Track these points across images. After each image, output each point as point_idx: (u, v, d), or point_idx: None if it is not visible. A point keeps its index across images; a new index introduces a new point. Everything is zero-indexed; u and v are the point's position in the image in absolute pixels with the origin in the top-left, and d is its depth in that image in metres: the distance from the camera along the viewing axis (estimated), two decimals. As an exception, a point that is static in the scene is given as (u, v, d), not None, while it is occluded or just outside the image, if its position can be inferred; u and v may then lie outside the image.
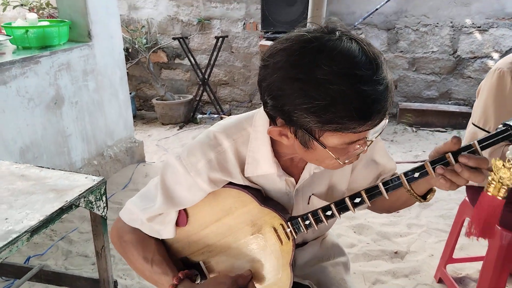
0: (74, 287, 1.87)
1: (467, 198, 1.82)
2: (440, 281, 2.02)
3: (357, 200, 0.85)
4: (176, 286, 0.90)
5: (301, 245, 1.11)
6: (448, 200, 2.72)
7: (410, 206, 2.49)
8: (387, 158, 1.03)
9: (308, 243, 1.12)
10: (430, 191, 0.88)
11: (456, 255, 2.07)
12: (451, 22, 3.87)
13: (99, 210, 1.61)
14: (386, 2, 3.84)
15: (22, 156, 2.37)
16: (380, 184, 0.83)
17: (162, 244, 1.02)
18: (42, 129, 2.49)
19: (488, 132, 1.56)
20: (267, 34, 3.88)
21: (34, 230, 1.32)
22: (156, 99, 4.44)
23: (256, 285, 0.95)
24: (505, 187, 0.77)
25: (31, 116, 2.41)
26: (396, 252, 2.25)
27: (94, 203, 1.57)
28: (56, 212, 1.41)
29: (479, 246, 2.23)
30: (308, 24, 0.80)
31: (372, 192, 0.84)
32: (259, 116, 0.91)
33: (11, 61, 2.27)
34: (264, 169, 0.90)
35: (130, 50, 4.50)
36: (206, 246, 0.99)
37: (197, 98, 4.47)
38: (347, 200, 0.86)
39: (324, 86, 0.69)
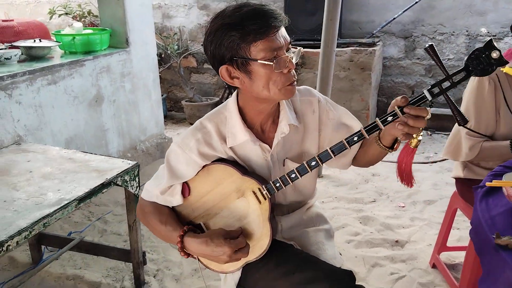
0: (109, 256, 2.18)
1: (456, 190, 2.01)
2: (434, 266, 2.21)
3: (313, 163, 1.11)
4: (183, 236, 1.17)
5: (289, 211, 1.35)
6: (453, 198, 2.89)
7: (415, 202, 2.68)
8: (354, 120, 1.29)
9: (294, 211, 1.36)
10: (396, 141, 1.12)
11: (454, 245, 2.26)
12: (467, 31, 4.02)
13: (132, 189, 1.90)
14: (404, 11, 4.03)
15: (67, 147, 2.71)
16: (328, 148, 1.09)
17: (173, 211, 1.30)
18: (84, 124, 2.84)
19: (469, 129, 1.77)
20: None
21: (81, 199, 1.63)
22: (186, 101, 4.77)
23: (246, 238, 1.19)
24: (417, 139, 1.05)
25: (76, 112, 2.77)
26: (397, 241, 2.45)
27: (128, 182, 1.87)
28: (98, 187, 1.73)
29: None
30: None
31: (323, 153, 1.10)
32: (230, 101, 1.22)
33: (60, 64, 2.64)
34: (240, 138, 1.18)
35: (163, 55, 4.86)
36: (205, 211, 1.26)
37: (223, 100, 4.77)
38: (305, 163, 1.12)
39: (232, 15, 1.06)
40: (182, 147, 1.21)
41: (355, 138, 1.07)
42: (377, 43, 4.03)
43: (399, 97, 1.01)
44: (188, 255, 1.20)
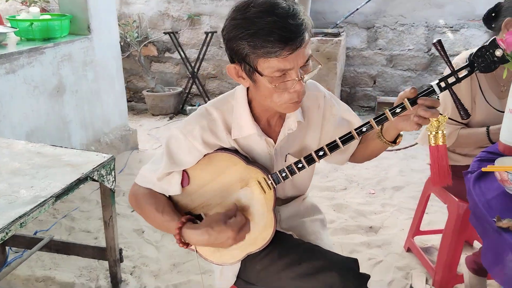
0: (82, 255, 2.07)
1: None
2: (408, 250, 2.28)
3: (321, 153, 1.10)
4: (181, 228, 1.11)
5: (286, 202, 1.34)
6: (419, 184, 3.00)
7: (384, 188, 2.75)
8: (355, 116, 1.29)
9: (291, 201, 1.35)
10: (398, 136, 1.13)
11: (424, 229, 2.35)
12: (426, 22, 4.16)
13: (108, 183, 1.81)
14: (367, 2, 4.10)
15: (28, 140, 2.54)
16: (337, 138, 1.08)
17: (170, 199, 1.23)
18: (45, 115, 2.67)
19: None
20: (255, 30, 4.09)
21: (58, 196, 1.53)
22: (147, 91, 4.62)
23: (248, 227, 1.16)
24: (440, 132, 1.03)
25: (36, 103, 2.59)
26: (370, 227, 2.51)
27: (105, 176, 1.77)
28: (75, 182, 1.62)
29: (444, 222, 2.50)
30: None
31: (331, 145, 1.09)
32: (239, 90, 1.17)
33: (19, 52, 2.45)
34: (246, 131, 1.15)
35: (121, 43, 4.66)
36: (205, 201, 1.20)
37: (187, 91, 4.66)
38: (313, 153, 1.10)
39: (251, 20, 0.96)
40: (184, 134, 1.15)
41: (364, 129, 1.06)
42: (342, 33, 4.08)
43: (407, 89, 1.01)
44: (187, 245, 1.13)
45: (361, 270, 1.18)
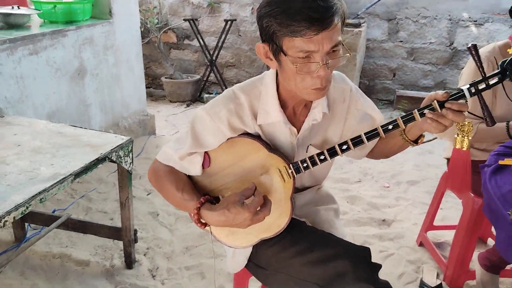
0: (98, 234, 2.12)
1: (447, 170, 2.06)
2: (421, 244, 2.27)
3: (344, 146, 1.09)
4: (199, 208, 1.12)
5: (301, 190, 1.35)
6: (435, 179, 2.97)
7: (399, 182, 2.72)
8: (378, 112, 1.28)
9: (307, 189, 1.36)
10: (421, 136, 1.12)
11: (438, 224, 2.33)
12: (449, 15, 4.08)
13: (126, 165, 1.85)
14: (389, -7, 4.04)
15: (49, 121, 2.59)
16: (362, 134, 1.07)
17: (190, 179, 1.25)
18: (67, 97, 2.72)
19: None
20: (274, 19, 4.08)
21: (77, 174, 1.57)
22: (165, 78, 4.66)
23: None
24: (467, 137, 1.04)
25: (58, 85, 2.64)
26: (383, 220, 2.51)
27: (122, 158, 1.81)
28: (93, 161, 1.66)
29: (458, 218, 2.48)
30: None
31: (355, 140, 1.08)
32: (267, 75, 1.16)
33: (42, 33, 2.49)
34: (272, 117, 1.15)
35: (141, 29, 4.70)
36: (225, 184, 1.22)
37: (204, 79, 4.68)
38: (336, 147, 1.10)
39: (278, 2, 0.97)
40: (211, 115, 1.15)
41: (390, 127, 1.05)
42: (362, 24, 4.03)
43: (439, 91, 1.00)
44: (205, 225, 1.15)
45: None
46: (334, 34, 0.98)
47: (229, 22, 4.41)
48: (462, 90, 1.00)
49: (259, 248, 1.25)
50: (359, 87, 4.46)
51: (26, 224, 2.26)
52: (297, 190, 1.33)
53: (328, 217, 1.36)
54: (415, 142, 1.13)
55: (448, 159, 2.02)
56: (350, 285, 1.09)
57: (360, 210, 2.62)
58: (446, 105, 0.99)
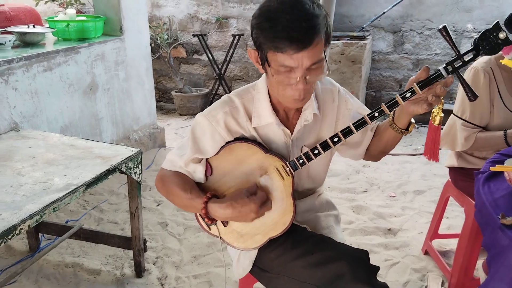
0: (109, 244, 2.19)
1: (450, 180, 2.09)
2: (426, 253, 2.29)
3: (336, 139, 1.15)
4: (207, 202, 1.19)
5: (302, 196, 1.40)
6: (441, 188, 2.98)
7: (405, 192, 2.74)
8: (368, 110, 1.31)
9: (307, 197, 1.41)
10: (411, 123, 1.17)
11: (443, 233, 2.35)
12: (454, 27, 4.13)
13: (135, 176, 1.92)
14: (393, 6, 4.11)
15: (62, 134, 2.69)
16: (351, 124, 1.13)
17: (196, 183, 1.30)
18: (79, 112, 2.82)
19: (464, 120, 1.84)
20: (281, 33, 4.17)
21: (88, 185, 1.64)
22: (175, 91, 4.76)
23: (268, 213, 1.23)
24: (440, 116, 1.13)
25: (71, 100, 2.74)
26: (389, 229, 2.53)
27: (132, 169, 1.88)
28: (104, 172, 1.73)
29: (464, 226, 2.49)
30: None
31: (345, 130, 1.15)
32: (260, 81, 1.25)
33: (56, 51, 2.60)
34: (265, 119, 1.22)
35: (152, 45, 4.82)
36: (228, 189, 1.28)
37: (213, 92, 4.78)
38: (328, 139, 1.16)
39: (271, 12, 1.04)
40: (208, 119, 1.23)
41: (376, 114, 1.11)
42: (367, 37, 4.10)
43: (418, 73, 1.06)
44: (212, 221, 1.21)
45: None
46: (315, 52, 1.05)
47: (236, 37, 4.51)
48: (439, 70, 1.05)
49: (262, 251, 1.30)
50: (366, 98, 4.52)
51: (40, 234, 2.34)
52: (298, 195, 1.38)
53: (328, 223, 1.40)
54: (406, 129, 1.18)
55: (450, 168, 2.05)
56: (348, 286, 1.13)
57: (366, 219, 2.65)
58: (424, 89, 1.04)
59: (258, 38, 1.07)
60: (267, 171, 1.23)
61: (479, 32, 4.01)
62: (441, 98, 1.06)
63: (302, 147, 1.29)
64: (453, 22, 4.12)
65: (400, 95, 1.07)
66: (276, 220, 1.23)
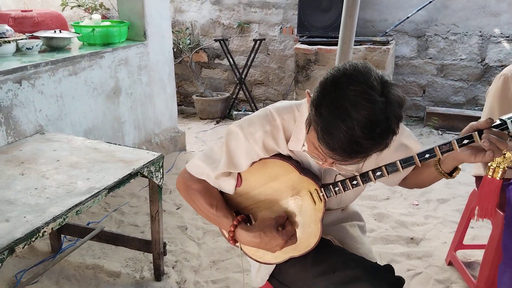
0: (129, 247, 2.20)
1: (476, 189, 2.03)
2: (450, 264, 2.23)
3: (378, 173, 1.08)
4: (236, 226, 1.17)
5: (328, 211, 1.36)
6: (466, 197, 2.90)
7: (428, 200, 2.66)
8: (415, 141, 1.23)
9: (334, 209, 1.36)
10: (456, 169, 1.09)
11: (468, 243, 2.28)
12: (480, 32, 4.03)
13: (157, 180, 1.92)
14: (418, 11, 4.04)
15: (85, 137, 2.73)
16: (398, 161, 1.05)
17: (222, 195, 1.28)
18: (102, 115, 2.86)
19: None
20: (302, 38, 4.16)
21: (110, 188, 1.65)
22: (196, 96, 4.79)
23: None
24: (502, 169, 1.01)
25: (95, 103, 2.79)
26: (412, 238, 2.48)
27: (153, 173, 1.89)
28: (126, 176, 1.75)
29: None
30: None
31: (390, 165, 1.06)
32: (305, 105, 1.16)
33: (81, 55, 2.65)
34: (303, 147, 1.13)
35: (174, 49, 4.87)
36: (255, 203, 1.25)
37: (234, 96, 4.79)
38: (370, 172, 1.09)
39: (331, 115, 0.90)
40: (246, 135, 1.16)
41: (427, 156, 1.03)
42: (391, 42, 4.04)
43: (481, 120, 0.98)
44: (235, 241, 1.20)
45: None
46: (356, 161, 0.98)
47: (258, 42, 4.51)
48: (505, 122, 0.96)
49: (282, 266, 1.28)
50: (388, 104, 4.44)
51: (62, 235, 2.37)
52: None
53: (354, 233, 1.36)
54: (450, 174, 1.10)
55: (476, 177, 1.99)
56: None
57: (388, 228, 2.60)
58: (485, 134, 0.94)
59: (312, 122, 0.96)
60: (300, 192, 1.19)
61: (507, 37, 3.93)
62: (503, 151, 0.95)
63: (336, 175, 1.22)
64: (480, 27, 4.02)
65: (457, 142, 0.98)
66: (300, 242, 1.20)
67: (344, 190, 1.14)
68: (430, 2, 3.97)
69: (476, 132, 0.97)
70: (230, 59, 4.62)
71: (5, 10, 3.60)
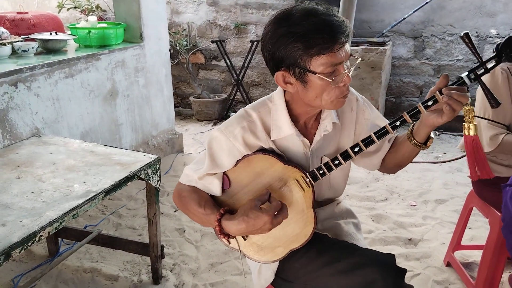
0: (127, 250, 2.19)
1: (473, 189, 2.04)
2: (448, 265, 2.23)
3: (356, 148, 1.13)
4: (220, 219, 1.17)
5: (322, 205, 1.37)
6: (463, 197, 2.91)
7: (426, 201, 2.68)
8: (386, 122, 1.29)
9: (327, 205, 1.39)
10: (429, 138, 1.15)
11: (466, 244, 2.28)
12: (476, 32, 4.04)
13: (154, 182, 1.92)
14: (414, 11, 4.05)
15: (82, 140, 2.72)
16: (372, 134, 1.12)
17: (212, 197, 1.29)
18: (99, 118, 2.85)
19: (487, 119, 1.78)
20: (299, 39, 4.16)
21: (107, 192, 1.64)
22: (193, 97, 4.78)
23: (288, 225, 1.20)
24: (472, 124, 1.07)
25: (91, 106, 2.78)
26: (410, 239, 2.48)
27: (150, 176, 1.88)
28: (123, 179, 1.74)
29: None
30: None
31: (366, 140, 1.13)
32: (276, 93, 1.24)
33: (77, 57, 2.64)
34: (285, 131, 1.20)
35: (171, 51, 4.86)
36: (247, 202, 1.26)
37: (231, 97, 4.78)
38: (348, 149, 1.14)
39: (300, 23, 1.04)
40: (226, 134, 1.21)
41: (398, 123, 1.09)
42: (387, 43, 4.05)
43: (438, 82, 1.04)
44: (229, 236, 1.19)
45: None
46: (348, 44, 1.08)
47: (255, 43, 4.51)
48: (462, 78, 1.03)
49: (286, 262, 1.28)
50: (386, 104, 4.45)
51: (59, 239, 2.36)
52: (317, 203, 1.36)
53: (349, 230, 1.38)
54: (425, 144, 1.16)
55: (474, 178, 1.99)
56: None
57: (386, 229, 2.60)
58: (444, 91, 1.02)
59: (294, 54, 1.06)
60: (287, 182, 1.21)
61: (503, 37, 3.94)
62: (465, 105, 1.03)
63: (322, 157, 1.27)
64: (476, 27, 4.03)
65: (422, 103, 1.06)
66: (297, 231, 1.21)
67: (329, 171, 1.17)
68: (427, 3, 3.98)
69: (437, 92, 1.04)
70: (227, 61, 4.61)
71: (1, 12, 3.58)
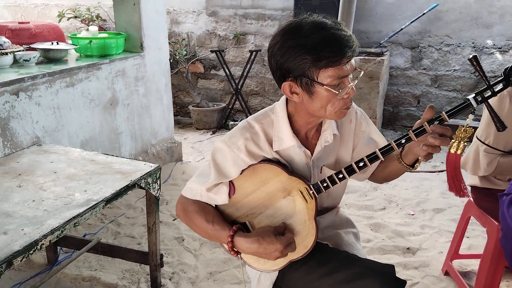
0: (126, 258, 2.19)
1: (471, 198, 2.05)
2: (446, 274, 2.24)
3: (361, 164, 1.15)
4: (233, 236, 1.19)
5: (321, 213, 1.39)
6: (461, 206, 2.92)
7: (424, 210, 2.71)
8: (381, 137, 1.36)
9: (327, 213, 1.40)
10: (417, 161, 1.17)
11: (464, 253, 2.29)
12: (473, 43, 4.09)
13: (154, 191, 1.93)
14: (411, 22, 4.10)
15: (82, 148, 2.73)
16: (377, 150, 1.14)
17: (217, 210, 1.31)
18: (99, 126, 2.87)
19: (487, 145, 1.80)
20: (298, 49, 4.20)
21: (108, 200, 1.65)
22: (192, 106, 4.81)
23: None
24: (463, 143, 1.08)
25: (92, 115, 2.79)
26: (408, 248, 2.49)
27: (151, 184, 1.89)
28: (124, 188, 1.75)
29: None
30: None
31: (371, 156, 1.15)
32: (278, 105, 1.26)
33: (78, 67, 2.66)
34: (287, 143, 1.22)
35: (170, 60, 4.89)
36: (250, 210, 1.27)
37: (230, 106, 4.81)
38: (353, 164, 1.16)
39: (309, 36, 1.06)
40: (230, 146, 1.23)
41: (403, 141, 1.11)
42: (385, 53, 4.09)
43: (424, 114, 1.08)
44: (237, 253, 1.21)
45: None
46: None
47: (254, 53, 4.55)
48: (468, 99, 1.04)
49: (286, 272, 1.29)
50: (383, 114, 4.49)
51: (59, 247, 2.36)
52: (318, 212, 1.37)
53: (349, 240, 1.40)
54: (412, 166, 1.19)
55: (472, 187, 2.01)
56: None
57: (384, 238, 2.61)
58: (431, 128, 1.05)
59: (303, 65, 1.08)
60: (291, 193, 1.22)
61: (499, 48, 3.98)
62: (462, 126, 1.05)
63: (322, 167, 1.29)
64: (472, 38, 4.08)
65: (413, 131, 1.09)
66: (298, 243, 1.22)
67: (332, 185, 1.19)
68: (424, 14, 4.03)
69: (426, 123, 1.06)
70: (226, 70, 4.65)
71: (2, 22, 3.61)
